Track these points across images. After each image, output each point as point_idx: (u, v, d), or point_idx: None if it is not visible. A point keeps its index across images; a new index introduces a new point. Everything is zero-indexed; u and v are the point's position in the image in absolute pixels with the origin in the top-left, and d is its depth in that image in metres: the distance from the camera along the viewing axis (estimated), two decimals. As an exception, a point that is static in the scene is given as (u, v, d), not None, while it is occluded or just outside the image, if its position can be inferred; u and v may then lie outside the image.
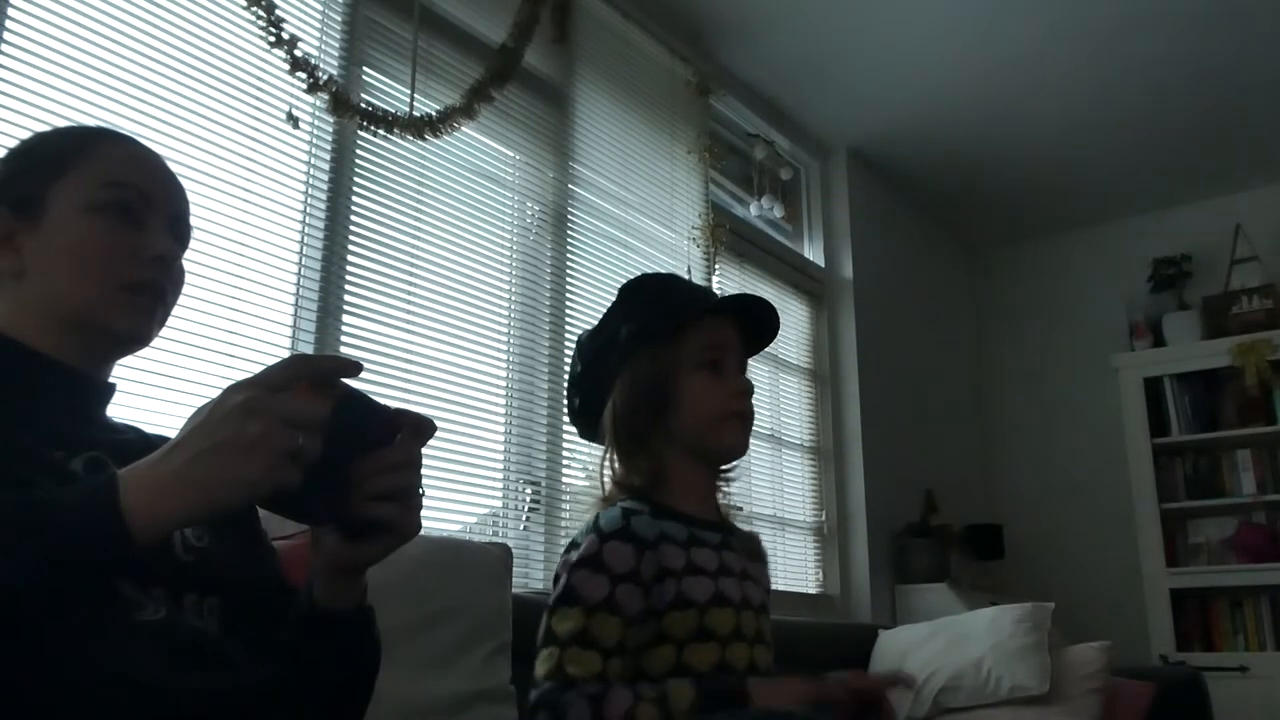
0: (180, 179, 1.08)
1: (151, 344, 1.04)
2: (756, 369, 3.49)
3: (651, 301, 1.43)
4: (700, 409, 1.37)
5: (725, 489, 1.48)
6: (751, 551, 1.46)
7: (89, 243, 0.97)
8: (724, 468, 1.46)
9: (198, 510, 0.73)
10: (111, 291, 0.97)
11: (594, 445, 1.48)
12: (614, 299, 1.46)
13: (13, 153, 1.04)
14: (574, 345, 1.49)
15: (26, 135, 1.07)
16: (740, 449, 1.43)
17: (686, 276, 3.01)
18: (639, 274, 1.54)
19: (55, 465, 0.89)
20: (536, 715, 1.20)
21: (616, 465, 1.39)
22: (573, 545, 1.32)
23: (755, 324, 1.45)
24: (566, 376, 1.51)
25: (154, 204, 1.02)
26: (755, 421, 1.46)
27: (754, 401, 1.43)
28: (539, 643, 1.26)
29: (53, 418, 0.94)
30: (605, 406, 1.40)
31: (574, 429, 1.52)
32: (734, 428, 1.40)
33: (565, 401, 1.52)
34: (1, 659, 0.71)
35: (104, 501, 0.71)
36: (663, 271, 1.58)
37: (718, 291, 3.23)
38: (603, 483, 1.40)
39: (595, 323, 1.47)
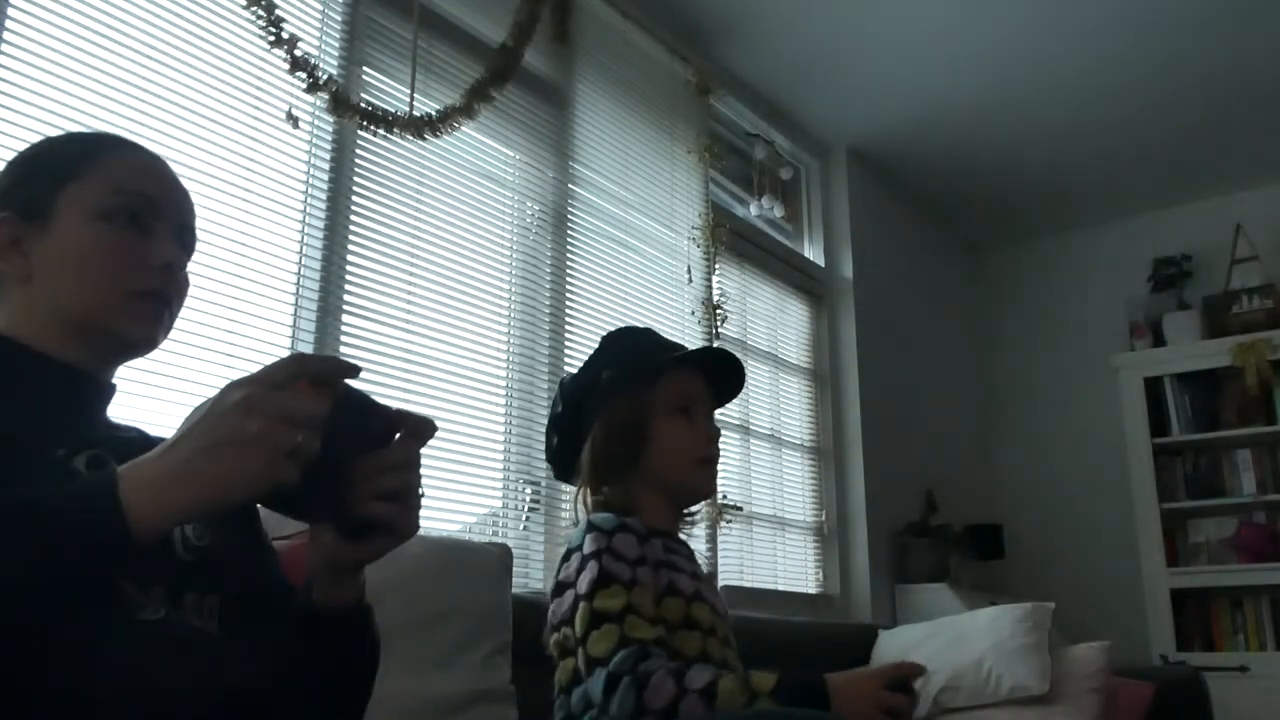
0: (185, 186, 1.08)
1: (151, 345, 1.04)
2: (757, 369, 3.50)
3: (631, 349, 1.56)
4: (672, 451, 1.50)
5: (689, 524, 1.60)
6: (711, 578, 1.56)
7: (97, 250, 0.97)
8: (688, 509, 1.58)
9: (197, 507, 0.74)
10: (119, 298, 0.97)
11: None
12: (600, 343, 1.60)
13: (22, 157, 1.04)
14: (557, 385, 1.62)
15: (27, 136, 1.08)
16: (707, 492, 1.57)
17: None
18: (622, 326, 1.69)
19: (57, 463, 0.89)
20: (618, 684, 1.23)
21: (590, 499, 1.52)
22: (570, 552, 1.41)
23: (724, 377, 1.59)
24: (547, 417, 1.64)
25: (162, 212, 1.02)
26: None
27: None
28: (583, 628, 1.31)
29: (54, 416, 0.94)
30: (583, 446, 1.53)
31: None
32: (703, 473, 1.53)
33: (544, 440, 1.65)
34: (1, 657, 0.71)
35: (104, 498, 0.71)
36: (642, 326, 1.71)
37: (716, 289, 3.24)
38: (577, 514, 1.53)
39: (580, 364, 1.61)
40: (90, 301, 0.97)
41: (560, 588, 1.39)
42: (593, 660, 1.28)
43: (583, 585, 1.33)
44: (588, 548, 1.36)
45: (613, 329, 1.66)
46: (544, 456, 1.68)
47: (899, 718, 1.26)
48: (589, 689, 1.28)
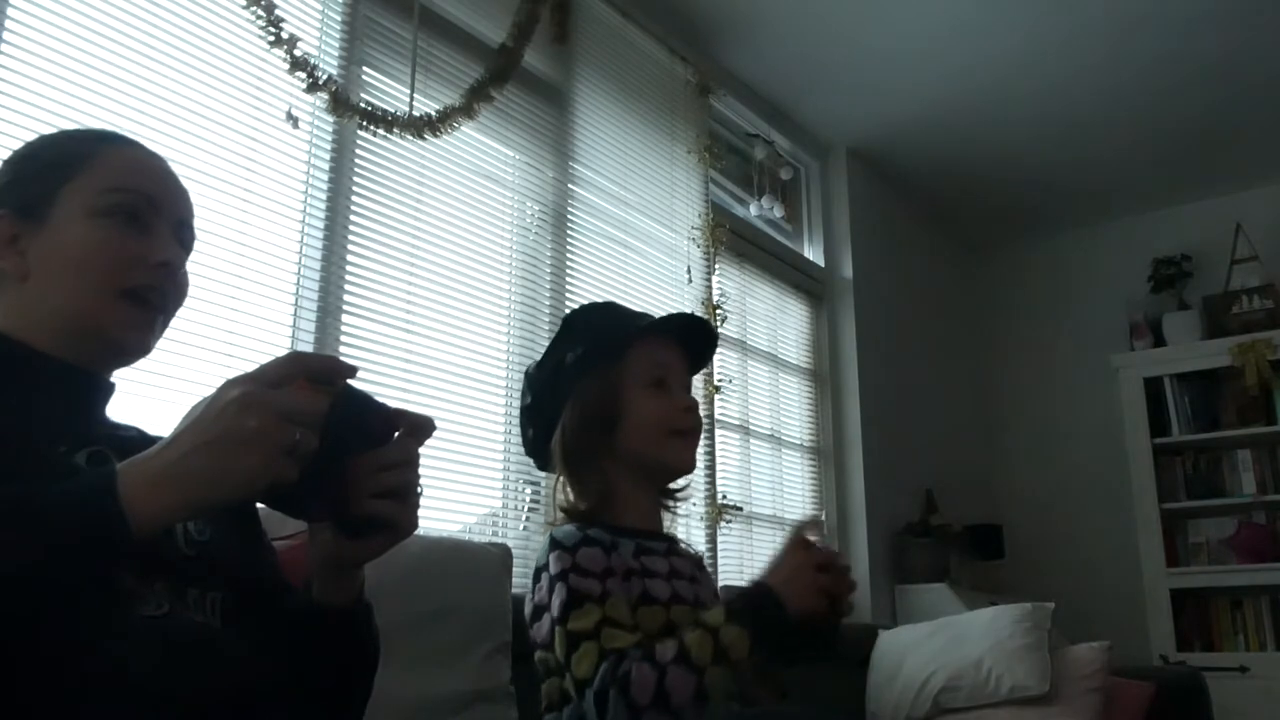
0: (184, 183, 1.08)
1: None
2: (757, 369, 3.50)
3: (595, 326, 1.48)
4: (647, 425, 1.42)
5: (674, 510, 1.53)
6: (697, 564, 1.51)
7: (93, 248, 0.97)
8: (672, 486, 1.51)
9: (196, 503, 0.74)
10: (113, 298, 0.97)
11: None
12: (560, 324, 1.53)
13: (19, 155, 1.04)
14: (524, 378, 1.54)
15: (27, 135, 1.07)
16: (687, 465, 1.48)
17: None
18: (582, 304, 1.60)
19: (58, 460, 0.89)
20: (607, 699, 1.20)
21: (566, 490, 1.45)
22: (539, 571, 1.36)
23: (696, 342, 1.52)
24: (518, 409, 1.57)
25: (159, 209, 1.02)
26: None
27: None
28: (564, 653, 1.27)
29: (55, 413, 0.95)
30: (554, 421, 1.46)
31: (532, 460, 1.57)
32: (680, 444, 1.45)
33: (519, 434, 1.58)
34: (2, 652, 0.71)
35: (103, 494, 0.71)
36: (602, 301, 1.63)
37: (716, 289, 3.23)
38: (554, 507, 1.47)
39: (541, 354, 1.53)
40: (84, 304, 0.96)
41: (538, 611, 1.35)
42: (580, 683, 1.25)
43: (555, 608, 1.30)
44: (553, 568, 1.32)
45: (573, 309, 1.58)
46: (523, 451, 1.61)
47: (838, 599, 1.29)
48: (585, 712, 1.26)
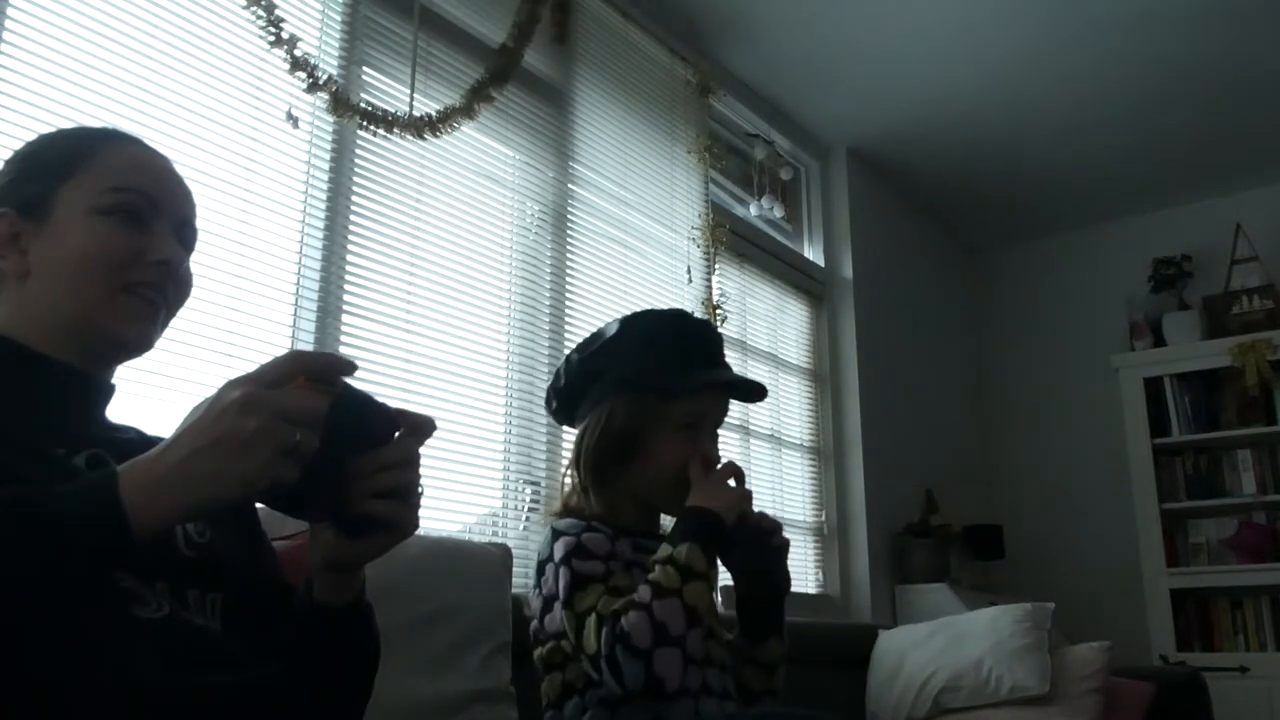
0: (186, 181, 1.08)
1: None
2: (757, 367, 3.50)
3: (652, 350, 1.46)
4: (665, 470, 1.44)
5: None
6: None
7: (93, 245, 0.97)
8: None
9: (196, 505, 0.74)
10: (113, 294, 0.97)
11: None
12: (619, 326, 1.50)
13: (20, 154, 1.04)
14: (564, 360, 1.56)
15: (27, 135, 1.07)
16: None
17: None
18: (648, 310, 1.57)
19: (57, 462, 0.89)
20: (618, 662, 1.23)
21: (577, 491, 1.48)
22: (543, 564, 1.38)
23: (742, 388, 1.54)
24: (550, 379, 1.60)
25: (160, 208, 1.02)
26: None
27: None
28: (575, 635, 1.30)
29: (54, 416, 0.95)
30: (579, 409, 1.50)
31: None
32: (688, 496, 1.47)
33: (544, 399, 1.63)
34: (2, 654, 0.71)
35: (103, 496, 0.71)
36: (672, 311, 1.57)
37: (716, 289, 3.23)
38: (560, 498, 1.51)
39: (590, 337, 1.53)
40: (83, 298, 0.96)
41: (548, 602, 1.36)
42: (594, 659, 1.27)
43: (561, 593, 1.32)
44: (558, 555, 1.34)
45: (637, 311, 1.55)
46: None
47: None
48: (608, 687, 1.27)
